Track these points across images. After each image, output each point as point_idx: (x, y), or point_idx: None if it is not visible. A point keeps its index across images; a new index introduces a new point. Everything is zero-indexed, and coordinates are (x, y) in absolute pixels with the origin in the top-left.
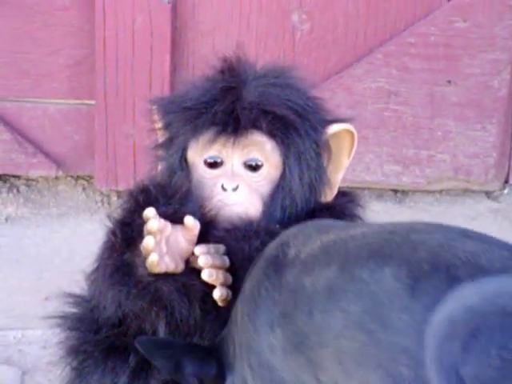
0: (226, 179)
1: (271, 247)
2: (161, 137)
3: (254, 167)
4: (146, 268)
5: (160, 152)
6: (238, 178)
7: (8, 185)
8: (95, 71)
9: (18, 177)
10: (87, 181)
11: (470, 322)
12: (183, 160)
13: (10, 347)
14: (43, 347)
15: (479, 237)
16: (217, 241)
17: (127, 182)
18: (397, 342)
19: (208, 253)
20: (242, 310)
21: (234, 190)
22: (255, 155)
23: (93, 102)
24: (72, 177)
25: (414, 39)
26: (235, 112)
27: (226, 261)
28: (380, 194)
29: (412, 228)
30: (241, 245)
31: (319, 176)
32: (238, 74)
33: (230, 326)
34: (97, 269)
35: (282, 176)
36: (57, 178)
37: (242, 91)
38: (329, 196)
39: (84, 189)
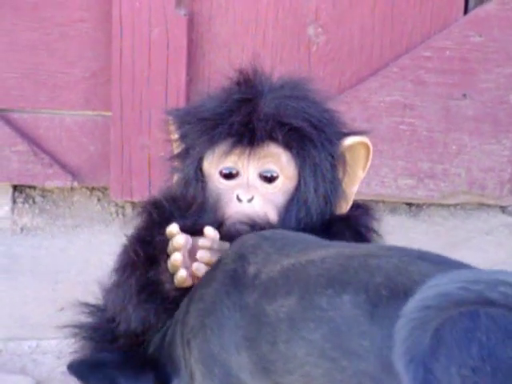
0: (241, 190)
1: (230, 257)
2: (176, 148)
3: (269, 178)
4: (172, 283)
5: (176, 163)
6: (254, 189)
7: (24, 195)
8: (111, 83)
9: (33, 187)
10: (102, 192)
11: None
12: (199, 171)
13: (24, 357)
14: (58, 357)
15: (434, 259)
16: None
17: (142, 194)
18: (361, 369)
19: (211, 248)
20: (201, 320)
21: (250, 200)
22: (271, 167)
23: (109, 114)
24: (87, 188)
25: (430, 53)
26: (251, 123)
27: None
28: (394, 207)
29: (369, 252)
30: None
31: (334, 188)
32: (254, 86)
33: (175, 328)
34: (117, 286)
35: (297, 187)
36: (72, 188)
37: (259, 103)
38: (344, 208)
39: (99, 200)
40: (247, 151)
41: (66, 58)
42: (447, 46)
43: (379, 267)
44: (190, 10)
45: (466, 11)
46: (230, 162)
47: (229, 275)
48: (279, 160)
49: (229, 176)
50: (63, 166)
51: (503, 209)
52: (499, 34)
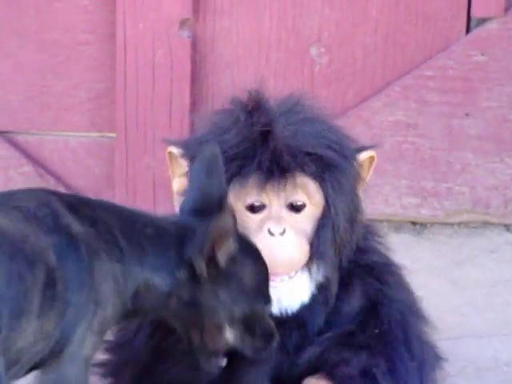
0: (272, 223)
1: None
2: (183, 181)
3: (297, 208)
4: None
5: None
6: (283, 220)
7: None
8: (116, 104)
9: None
10: None
11: None
12: None
13: None
14: None
15: None
16: None
17: None
18: None
19: None
20: None
21: (282, 234)
22: (298, 197)
23: (113, 135)
24: None
25: (432, 72)
26: (279, 157)
27: None
28: (398, 226)
29: None
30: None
31: (357, 206)
32: (264, 113)
33: None
34: None
35: (325, 213)
36: None
37: (275, 132)
38: (362, 220)
39: None
40: (276, 184)
41: (70, 80)
42: (449, 65)
43: None
44: (193, 32)
45: (467, 31)
46: (257, 196)
47: None
48: (307, 189)
49: (255, 209)
50: (68, 188)
51: (507, 227)
52: (501, 53)
